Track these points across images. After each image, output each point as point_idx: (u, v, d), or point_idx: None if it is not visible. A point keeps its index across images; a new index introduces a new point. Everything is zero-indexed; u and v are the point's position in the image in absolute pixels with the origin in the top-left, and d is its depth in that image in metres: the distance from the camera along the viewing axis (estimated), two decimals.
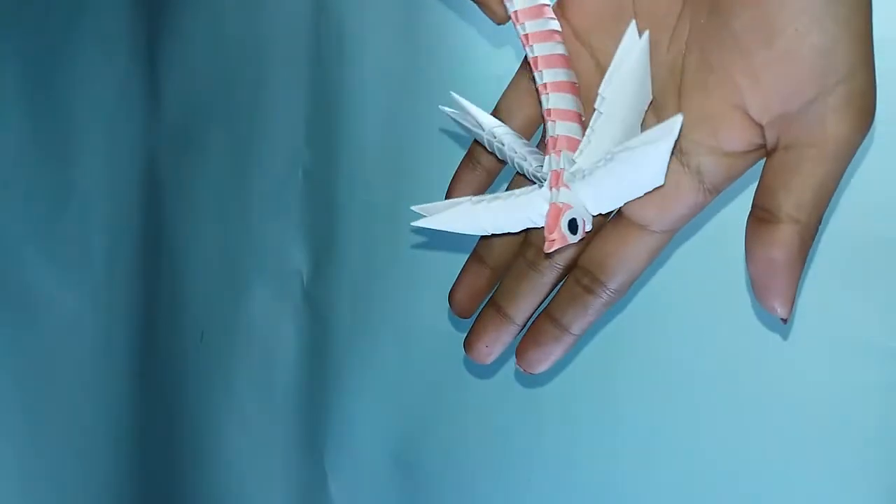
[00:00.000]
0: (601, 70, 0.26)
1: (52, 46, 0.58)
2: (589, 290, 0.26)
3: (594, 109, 0.24)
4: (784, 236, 0.23)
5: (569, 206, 0.24)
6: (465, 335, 0.29)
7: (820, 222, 0.23)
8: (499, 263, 0.29)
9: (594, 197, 0.24)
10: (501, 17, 0.26)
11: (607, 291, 0.26)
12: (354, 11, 0.50)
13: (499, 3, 0.25)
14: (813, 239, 0.23)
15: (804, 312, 0.39)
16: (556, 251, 0.25)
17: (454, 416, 0.48)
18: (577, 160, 0.24)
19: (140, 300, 0.59)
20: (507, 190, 0.28)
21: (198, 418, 0.57)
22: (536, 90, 0.26)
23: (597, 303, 0.26)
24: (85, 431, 0.59)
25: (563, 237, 0.24)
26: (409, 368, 0.49)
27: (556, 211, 0.24)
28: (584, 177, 0.24)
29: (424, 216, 0.26)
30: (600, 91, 0.24)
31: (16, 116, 0.58)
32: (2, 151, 0.58)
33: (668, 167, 0.23)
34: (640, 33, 0.24)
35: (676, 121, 0.22)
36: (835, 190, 0.23)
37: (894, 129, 0.37)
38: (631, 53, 0.23)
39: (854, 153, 0.22)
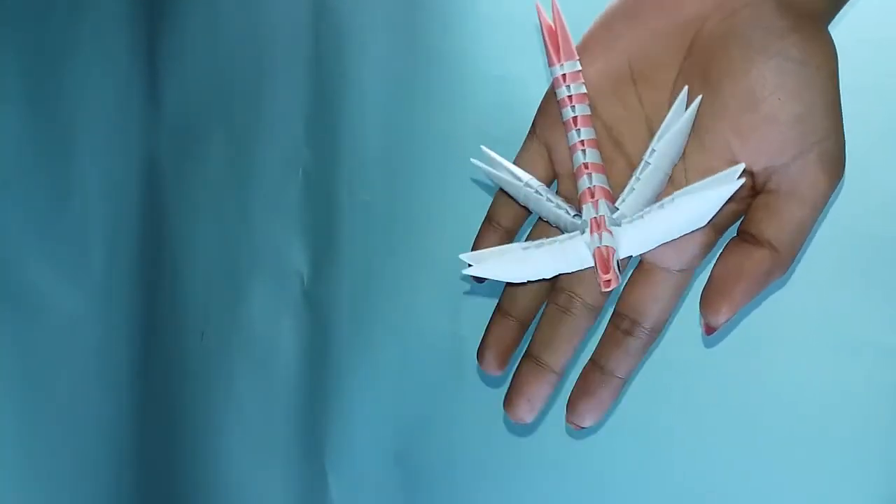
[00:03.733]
0: (605, 129, 0.29)
1: (52, 46, 0.58)
2: (628, 333, 0.28)
3: (642, 160, 0.27)
4: (760, 255, 0.26)
5: (613, 249, 0.27)
6: (505, 394, 0.29)
7: (792, 262, 0.27)
8: (525, 315, 0.30)
9: (634, 239, 0.27)
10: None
11: (644, 331, 0.28)
12: (354, 11, 0.50)
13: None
14: (781, 274, 0.27)
15: (805, 312, 0.39)
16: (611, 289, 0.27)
17: (454, 416, 0.48)
18: (620, 207, 0.27)
19: (140, 300, 0.59)
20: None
21: (198, 418, 0.57)
22: (570, 147, 0.29)
23: (637, 344, 0.28)
24: (85, 431, 0.59)
25: (617, 276, 0.27)
26: (409, 368, 0.49)
27: (601, 254, 0.27)
28: (631, 221, 0.27)
29: (471, 263, 0.29)
30: (652, 144, 0.27)
31: (16, 116, 0.58)
32: (2, 151, 0.58)
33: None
34: (691, 98, 0.27)
35: (738, 168, 0.26)
36: (810, 231, 0.27)
37: (894, 130, 0.37)
38: (682, 115, 0.26)
39: (828, 201, 0.26)
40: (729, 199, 0.26)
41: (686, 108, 0.27)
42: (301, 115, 0.52)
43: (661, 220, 0.26)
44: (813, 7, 0.26)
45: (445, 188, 0.47)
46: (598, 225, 0.27)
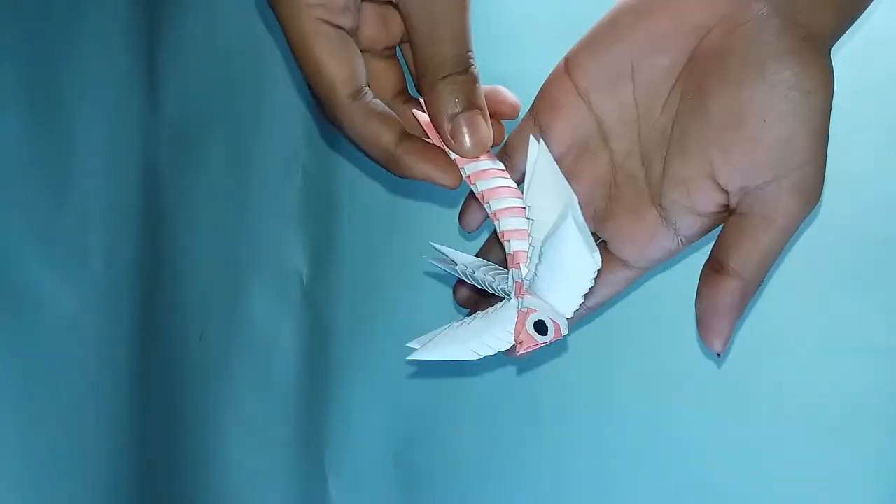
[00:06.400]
0: (597, 122, 0.30)
1: (52, 46, 0.58)
2: None
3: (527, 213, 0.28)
4: (728, 287, 0.28)
5: (533, 311, 0.27)
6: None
7: (762, 281, 0.28)
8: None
9: (552, 295, 0.27)
10: (455, 183, 0.30)
11: (584, 306, 0.30)
12: None
13: (454, 171, 0.29)
14: (753, 294, 0.28)
15: (804, 312, 0.39)
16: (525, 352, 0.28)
17: (454, 416, 0.48)
18: (527, 268, 0.28)
19: (140, 300, 0.59)
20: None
21: (198, 418, 0.57)
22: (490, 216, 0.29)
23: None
24: (85, 431, 0.59)
25: (530, 337, 0.27)
26: (409, 368, 0.49)
27: (521, 317, 0.28)
28: (533, 280, 0.27)
29: (417, 348, 0.29)
30: (524, 199, 0.28)
31: (16, 116, 0.58)
32: (2, 151, 0.58)
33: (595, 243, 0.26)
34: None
35: (571, 200, 0.25)
36: (778, 256, 0.27)
37: (894, 130, 0.37)
38: (537, 162, 0.27)
39: (797, 228, 0.27)
40: (700, 213, 0.27)
41: (541, 153, 0.27)
42: (301, 115, 0.52)
43: (550, 269, 0.26)
44: (820, 29, 0.25)
45: (443, 188, 0.47)
46: (519, 289, 0.28)
